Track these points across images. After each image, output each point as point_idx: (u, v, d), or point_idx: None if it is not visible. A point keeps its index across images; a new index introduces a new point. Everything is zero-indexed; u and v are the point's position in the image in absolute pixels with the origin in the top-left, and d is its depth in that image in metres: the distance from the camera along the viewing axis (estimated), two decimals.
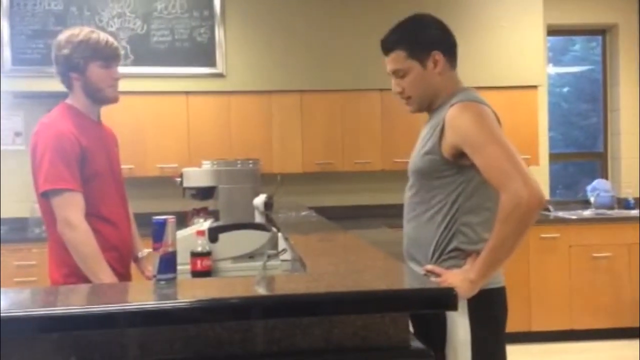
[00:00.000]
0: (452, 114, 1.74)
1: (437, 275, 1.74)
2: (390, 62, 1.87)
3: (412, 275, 1.59)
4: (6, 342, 1.14)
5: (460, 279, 1.68)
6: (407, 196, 1.93)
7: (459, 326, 1.71)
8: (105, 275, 2.06)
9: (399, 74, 1.86)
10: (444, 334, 1.72)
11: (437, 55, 1.83)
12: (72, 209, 2.08)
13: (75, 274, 2.11)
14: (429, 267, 1.78)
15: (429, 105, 1.89)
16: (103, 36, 2.22)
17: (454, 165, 1.76)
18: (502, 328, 1.81)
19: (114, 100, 2.29)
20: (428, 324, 1.69)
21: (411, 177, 1.91)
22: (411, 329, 1.36)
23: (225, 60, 4.70)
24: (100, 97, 2.25)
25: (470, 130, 1.69)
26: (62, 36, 2.21)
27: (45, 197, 2.10)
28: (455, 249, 1.77)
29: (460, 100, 1.77)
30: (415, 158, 1.89)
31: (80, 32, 2.20)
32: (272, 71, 4.77)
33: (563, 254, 4.62)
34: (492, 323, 1.77)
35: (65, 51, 2.18)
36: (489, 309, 1.75)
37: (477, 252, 1.72)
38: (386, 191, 5.11)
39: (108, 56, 2.22)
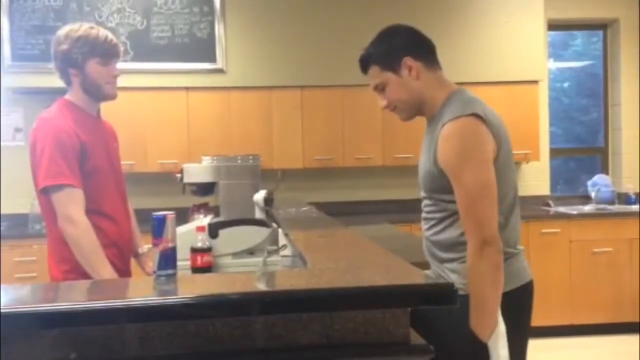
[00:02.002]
0: (442, 135, 1.71)
1: None
2: (370, 79, 1.89)
3: (412, 271, 1.58)
4: (6, 338, 1.14)
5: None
6: (423, 204, 1.91)
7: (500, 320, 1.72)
8: (105, 271, 2.06)
9: (379, 87, 1.87)
10: (446, 329, 1.72)
11: (409, 61, 1.80)
12: (72, 205, 2.07)
13: (75, 270, 2.10)
14: None
15: (418, 111, 1.87)
16: (102, 32, 2.21)
17: None
18: (528, 322, 1.82)
19: (112, 97, 2.27)
20: (430, 319, 1.69)
21: (422, 188, 1.89)
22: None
23: (225, 56, 4.70)
24: (98, 93, 2.24)
25: (451, 160, 1.69)
26: (62, 32, 2.20)
27: (45, 193, 2.10)
28: None
29: (455, 115, 1.71)
30: (421, 171, 1.87)
31: (79, 27, 2.19)
32: (272, 67, 4.76)
33: (563, 249, 4.62)
34: (519, 318, 1.77)
35: (64, 47, 2.17)
36: (519, 304, 1.77)
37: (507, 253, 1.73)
38: (387, 187, 5.11)
39: (107, 53, 2.21)
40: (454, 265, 1.79)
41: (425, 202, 1.88)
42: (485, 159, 1.68)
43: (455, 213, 1.76)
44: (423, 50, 1.84)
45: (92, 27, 2.21)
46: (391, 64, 1.82)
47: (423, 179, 1.85)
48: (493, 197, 1.66)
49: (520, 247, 1.83)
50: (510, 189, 1.79)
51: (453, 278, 1.77)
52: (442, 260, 1.83)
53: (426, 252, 1.91)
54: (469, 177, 1.66)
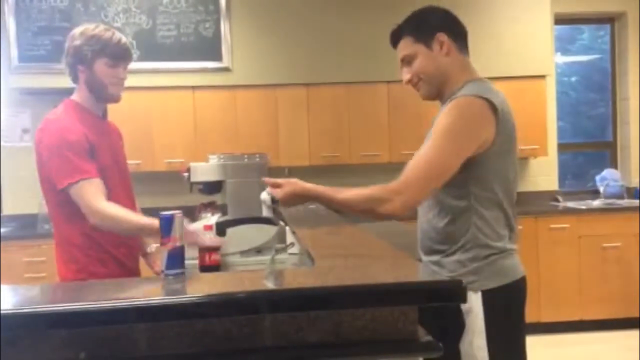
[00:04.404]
0: (444, 108, 1.78)
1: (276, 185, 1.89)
2: (399, 51, 1.91)
3: (420, 268, 1.58)
4: (16, 338, 1.15)
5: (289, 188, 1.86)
6: None
7: (474, 316, 1.71)
8: (144, 222, 2.05)
9: (407, 59, 1.89)
10: (458, 325, 1.71)
11: (442, 37, 1.84)
12: (91, 196, 2.05)
13: (84, 270, 2.11)
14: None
15: (439, 91, 1.88)
16: (117, 35, 2.23)
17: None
18: (521, 318, 1.80)
19: (116, 99, 2.27)
20: (439, 316, 1.69)
21: None
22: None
23: (231, 54, 4.70)
24: (103, 93, 2.23)
25: (438, 127, 1.73)
26: (78, 29, 2.23)
27: (65, 192, 2.09)
28: (472, 241, 1.75)
29: (463, 94, 1.76)
30: None
31: (95, 27, 2.22)
32: (278, 64, 4.76)
33: (572, 244, 4.60)
34: (511, 314, 1.77)
35: (77, 42, 2.18)
36: (507, 300, 1.76)
37: (497, 248, 1.73)
38: None
39: (116, 54, 2.21)
40: (437, 258, 1.79)
41: None
42: (464, 145, 1.70)
43: (450, 200, 1.76)
44: (457, 31, 1.90)
45: (107, 29, 2.22)
46: (424, 37, 1.85)
47: None
48: (437, 176, 1.69)
49: (514, 245, 1.81)
50: (500, 183, 1.77)
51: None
52: (431, 250, 1.83)
53: (420, 245, 1.90)
54: (441, 146, 1.69)
